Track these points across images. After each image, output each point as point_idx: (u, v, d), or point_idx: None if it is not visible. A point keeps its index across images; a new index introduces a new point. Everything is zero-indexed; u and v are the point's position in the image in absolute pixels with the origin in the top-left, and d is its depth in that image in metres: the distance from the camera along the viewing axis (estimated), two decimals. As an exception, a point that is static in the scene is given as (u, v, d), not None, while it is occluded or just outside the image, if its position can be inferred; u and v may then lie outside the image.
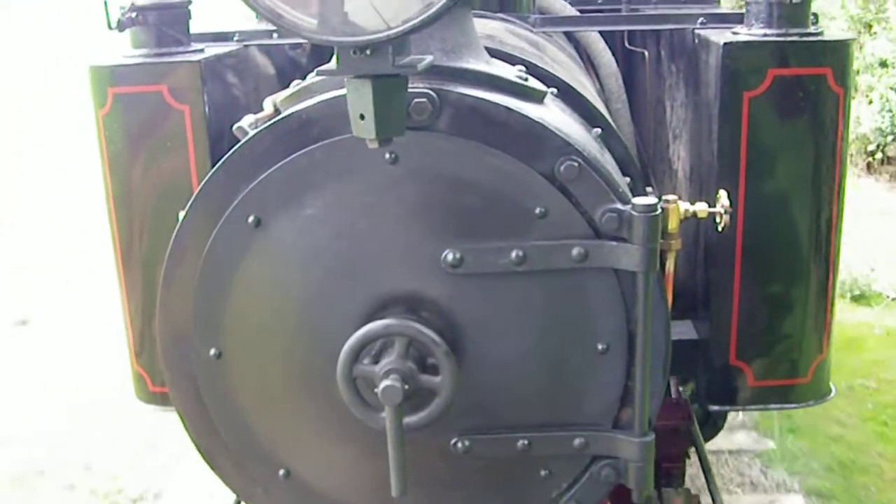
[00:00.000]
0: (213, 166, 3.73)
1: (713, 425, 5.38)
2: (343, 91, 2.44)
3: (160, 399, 4.03)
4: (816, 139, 3.66)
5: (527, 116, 2.46)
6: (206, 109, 3.74)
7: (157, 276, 3.87)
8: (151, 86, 3.74)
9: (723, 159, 3.63)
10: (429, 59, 2.22)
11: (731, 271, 3.69)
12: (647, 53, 5.04)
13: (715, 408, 3.96)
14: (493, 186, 2.45)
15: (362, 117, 2.13)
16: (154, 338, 3.96)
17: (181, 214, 3.29)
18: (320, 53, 4.76)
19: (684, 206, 3.20)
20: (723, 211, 3.33)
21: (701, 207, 3.29)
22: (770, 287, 3.74)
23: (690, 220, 3.18)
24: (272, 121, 2.58)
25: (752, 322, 3.76)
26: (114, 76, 3.79)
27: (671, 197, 3.22)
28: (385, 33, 1.98)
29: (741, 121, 3.58)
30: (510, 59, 3.00)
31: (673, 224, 3.10)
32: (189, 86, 3.72)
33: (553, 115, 2.65)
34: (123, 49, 3.91)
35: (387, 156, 2.41)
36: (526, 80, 2.68)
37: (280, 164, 2.49)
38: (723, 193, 3.35)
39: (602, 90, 4.79)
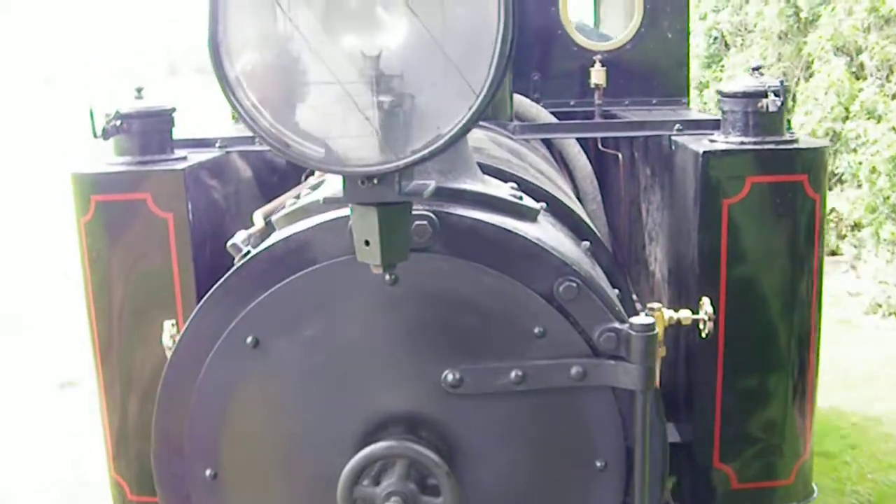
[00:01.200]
0: (196, 273, 3.75)
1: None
2: (339, 213, 2.47)
3: None
4: (795, 244, 3.73)
5: (525, 237, 2.49)
6: (190, 216, 3.75)
7: (135, 385, 3.86)
8: (135, 193, 3.75)
9: (703, 265, 3.68)
10: (432, 185, 2.25)
11: (713, 376, 3.72)
12: (620, 156, 5.13)
13: None
14: (492, 307, 2.46)
15: (367, 243, 2.14)
16: (131, 444, 3.92)
17: (166, 325, 3.28)
18: None
19: (668, 313, 3.23)
20: (706, 318, 3.36)
21: (685, 315, 3.32)
22: (752, 391, 3.78)
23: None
24: (271, 242, 2.58)
25: (735, 425, 3.78)
26: (97, 184, 3.79)
27: (655, 305, 3.25)
28: (394, 164, 2.00)
29: (721, 227, 3.64)
30: (501, 175, 3.04)
31: (658, 332, 3.13)
32: (173, 194, 3.73)
33: (548, 233, 2.69)
34: (106, 156, 3.92)
35: (386, 277, 2.42)
36: (520, 198, 2.71)
37: (279, 285, 2.49)
38: (706, 301, 3.38)
39: (577, 191, 4.85)
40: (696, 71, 13.88)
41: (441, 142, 1.99)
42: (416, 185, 2.23)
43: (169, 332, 3.33)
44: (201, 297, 3.72)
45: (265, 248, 2.57)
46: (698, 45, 14.68)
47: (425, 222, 2.40)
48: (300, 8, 2.00)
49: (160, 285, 3.77)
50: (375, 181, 2.06)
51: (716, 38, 15.17)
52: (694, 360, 3.77)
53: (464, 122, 1.98)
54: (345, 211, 2.42)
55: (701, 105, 14.44)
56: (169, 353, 3.31)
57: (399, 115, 2.01)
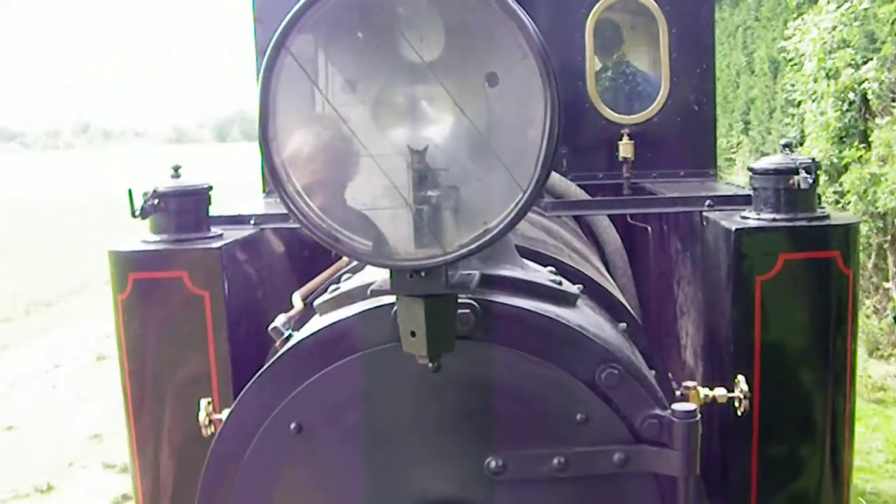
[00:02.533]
0: (231, 351, 3.78)
1: None
2: (383, 300, 2.49)
3: None
4: (828, 320, 3.73)
5: (567, 324, 2.51)
6: (226, 293, 3.79)
7: (171, 465, 3.87)
8: (172, 272, 3.80)
9: (737, 342, 3.69)
10: (476, 275, 2.29)
11: (748, 452, 3.72)
12: (650, 229, 5.15)
13: None
14: (534, 394, 2.47)
15: (413, 334, 2.17)
16: None
17: (202, 403, 3.30)
18: None
19: (704, 392, 3.24)
20: (742, 396, 3.36)
21: (720, 393, 3.32)
22: (787, 468, 3.76)
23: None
24: (315, 329, 2.61)
25: (769, 502, 3.76)
26: (134, 262, 3.84)
27: (690, 383, 3.26)
28: (441, 258, 2.03)
29: (754, 304, 3.66)
30: (538, 257, 3.07)
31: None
32: (209, 272, 3.78)
33: (588, 318, 2.70)
34: (143, 234, 3.97)
35: (430, 364, 2.43)
36: (559, 283, 2.73)
37: (323, 371, 2.51)
38: (741, 379, 3.39)
39: (607, 264, 4.87)
40: (824, 146, 11.83)
41: (488, 237, 2.02)
42: (461, 276, 2.27)
43: (205, 411, 3.36)
44: (237, 375, 3.78)
45: (310, 335, 2.59)
46: (825, 113, 11.91)
47: (468, 311, 2.42)
48: (349, 102, 2.05)
49: (196, 363, 3.80)
50: (423, 274, 2.09)
51: (852, 104, 11.69)
52: (728, 437, 3.75)
53: (511, 217, 2.01)
54: (389, 298, 2.44)
55: (835, 205, 11.60)
56: (205, 432, 3.34)
57: (446, 209, 2.05)
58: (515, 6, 1.95)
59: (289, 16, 1.99)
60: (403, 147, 2.04)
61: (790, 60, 13.83)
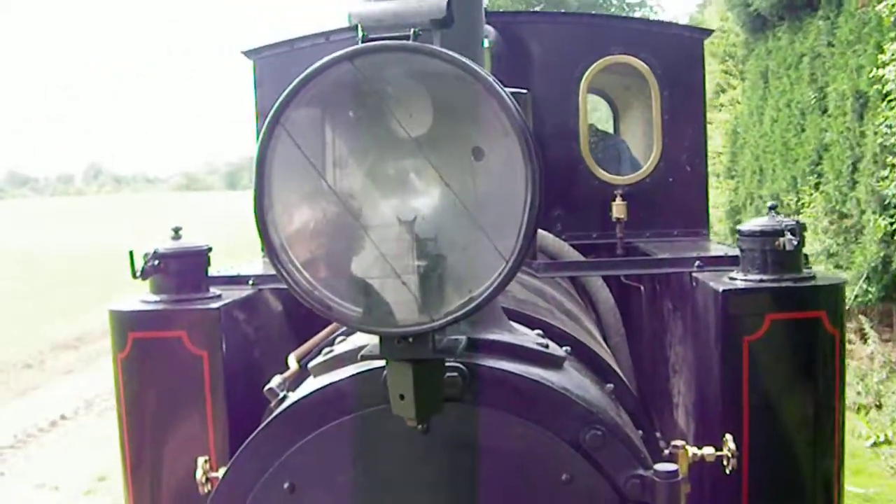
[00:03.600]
0: (228, 409, 3.84)
1: None
2: (374, 364, 2.57)
3: None
4: (815, 379, 3.80)
5: (552, 387, 2.58)
6: (224, 353, 3.86)
7: None
8: (172, 331, 3.88)
9: (726, 401, 3.75)
10: (463, 340, 2.37)
11: None
12: (643, 288, 5.23)
13: None
14: (521, 454, 2.54)
15: (402, 397, 2.24)
16: None
17: (200, 461, 3.36)
18: None
19: (692, 451, 3.30)
20: (730, 455, 3.42)
21: (708, 451, 3.38)
22: None
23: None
24: (308, 391, 2.68)
25: None
26: (134, 321, 3.92)
27: (679, 443, 3.32)
28: (428, 325, 2.11)
29: (742, 364, 3.72)
30: (526, 320, 3.15)
31: (682, 469, 3.18)
32: (208, 332, 3.86)
33: (573, 380, 2.78)
34: (143, 294, 4.06)
35: (418, 427, 2.50)
36: (546, 346, 2.81)
37: (315, 432, 2.58)
38: (729, 438, 3.45)
39: (600, 324, 4.95)
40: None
41: (473, 304, 2.10)
42: (449, 340, 2.35)
43: (202, 469, 3.42)
44: (234, 433, 3.84)
45: (303, 397, 2.67)
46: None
47: (456, 374, 2.49)
48: (341, 175, 2.14)
49: (194, 421, 3.87)
50: (411, 339, 2.17)
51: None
52: (718, 495, 3.80)
53: (494, 286, 2.10)
54: (380, 362, 2.52)
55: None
56: (202, 489, 3.39)
57: (433, 278, 2.13)
58: (497, 85, 2.05)
59: (284, 93, 2.09)
60: (393, 218, 2.13)
61: (887, 95, 11.09)
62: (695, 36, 5.93)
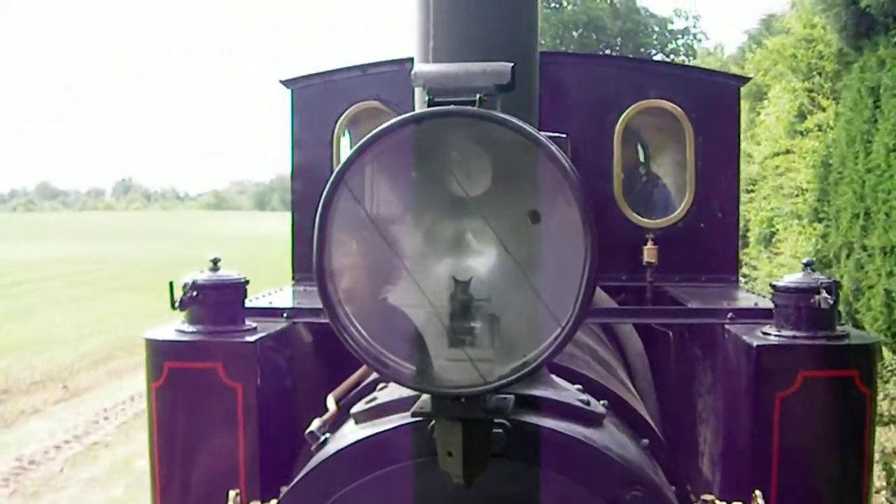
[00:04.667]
0: (260, 443, 3.87)
1: None
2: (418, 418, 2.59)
3: None
4: (845, 439, 3.81)
5: (594, 446, 2.60)
6: (258, 386, 3.89)
7: None
8: (207, 363, 3.91)
9: (755, 455, 3.77)
10: (512, 400, 2.39)
11: None
12: (671, 334, 5.25)
13: None
14: None
15: (450, 454, 2.27)
16: None
17: (231, 494, 3.39)
18: None
19: None
20: None
21: None
22: None
23: None
24: (353, 440, 2.71)
25: None
26: (171, 351, 3.95)
27: (708, 497, 3.36)
28: (482, 388, 2.14)
29: (773, 419, 3.74)
30: (568, 373, 3.17)
31: None
32: (244, 364, 3.89)
33: (614, 438, 2.80)
34: (179, 324, 4.09)
35: (461, 482, 2.53)
36: (587, 402, 2.83)
37: (358, 482, 2.61)
38: (758, 494, 3.46)
39: (628, 367, 4.96)
40: None
41: (527, 369, 2.13)
42: (497, 399, 2.38)
43: (233, 502, 3.45)
44: (264, 467, 3.86)
45: (348, 445, 2.69)
46: None
47: (501, 430, 2.52)
48: (399, 234, 2.18)
49: (226, 453, 3.89)
50: (462, 399, 2.20)
51: None
52: None
53: (549, 352, 2.13)
54: None
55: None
56: None
57: (488, 340, 2.16)
58: (560, 154, 2.08)
59: (350, 152, 2.13)
60: (448, 278, 2.16)
61: None
62: (731, 83, 5.97)
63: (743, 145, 18.72)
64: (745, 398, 3.84)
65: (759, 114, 22.63)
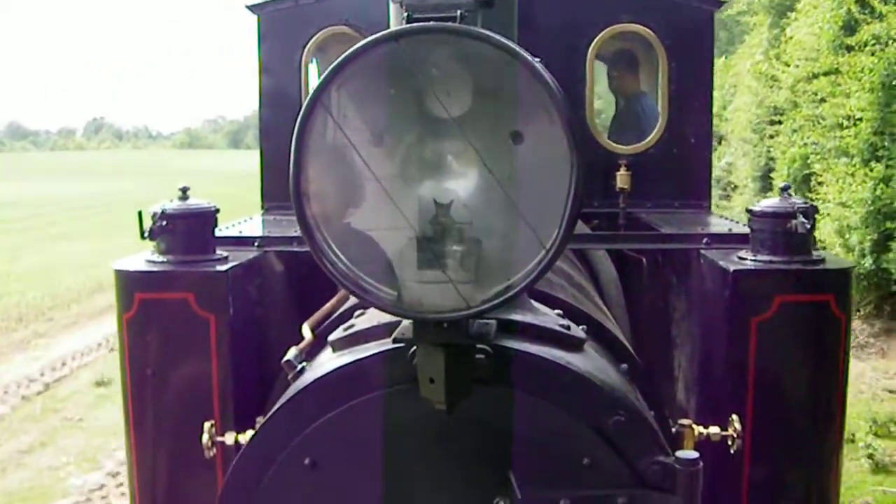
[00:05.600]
0: (234, 372, 3.83)
1: None
2: (398, 343, 2.56)
3: None
4: (821, 361, 3.82)
5: (576, 371, 2.58)
6: (231, 316, 3.84)
7: (171, 485, 3.92)
8: (179, 293, 3.84)
9: (731, 380, 3.77)
10: (493, 325, 2.36)
11: (737, 489, 3.79)
12: (644, 261, 5.23)
13: None
14: (543, 437, 2.54)
15: (432, 381, 2.24)
16: None
17: (206, 426, 3.35)
18: None
19: (699, 429, 3.33)
20: (735, 435, 3.45)
21: (714, 431, 3.42)
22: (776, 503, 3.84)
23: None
24: (332, 367, 2.66)
25: None
26: (141, 282, 3.88)
27: (685, 421, 3.35)
28: (465, 312, 2.10)
29: (749, 344, 3.74)
30: (546, 298, 3.14)
31: (688, 447, 3.22)
32: (215, 294, 3.83)
33: (595, 363, 2.78)
34: (148, 254, 4.01)
35: (443, 409, 2.50)
36: (568, 327, 2.80)
37: (337, 410, 2.57)
38: (735, 418, 3.48)
39: (602, 294, 4.94)
40: None
41: (511, 293, 2.09)
42: (480, 325, 2.34)
43: (208, 433, 3.42)
44: (238, 398, 3.83)
45: (326, 374, 2.65)
46: None
47: (482, 356, 2.48)
48: (378, 155, 2.11)
49: (199, 384, 3.85)
50: (445, 325, 2.15)
51: None
52: (720, 472, 3.82)
53: (534, 275, 2.08)
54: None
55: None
56: (207, 454, 3.39)
57: (470, 263, 2.11)
58: (544, 71, 2.02)
59: (326, 72, 2.05)
60: (429, 200, 2.10)
61: None
62: (704, 7, 5.87)
63: (765, 67, 17.40)
64: (720, 323, 3.83)
65: (784, 29, 18.14)
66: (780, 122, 17.80)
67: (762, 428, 3.75)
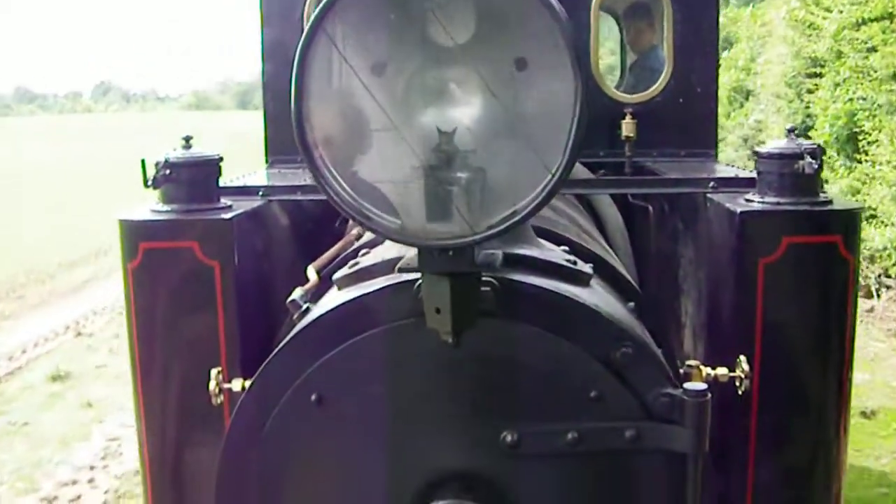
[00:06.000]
0: (240, 320, 3.83)
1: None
2: (404, 276, 2.55)
3: None
4: (828, 303, 3.80)
5: (584, 303, 2.57)
6: (236, 264, 3.83)
7: (179, 431, 3.93)
8: (183, 241, 3.83)
9: (739, 323, 3.76)
10: (500, 254, 2.34)
11: (746, 429, 3.79)
12: (650, 208, 5.21)
13: None
14: (550, 370, 2.54)
15: (438, 311, 2.23)
16: (169, 489, 3.98)
17: (213, 372, 3.35)
18: (331, 206, 4.92)
19: (706, 370, 3.32)
20: (743, 376, 3.44)
21: (722, 373, 3.41)
22: (784, 444, 3.84)
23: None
24: (337, 303, 2.66)
25: (767, 479, 3.84)
26: (145, 231, 3.87)
27: (693, 362, 3.34)
28: (470, 238, 2.09)
29: (757, 286, 3.72)
30: (552, 236, 3.13)
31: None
32: (220, 242, 3.81)
33: (602, 298, 2.77)
34: (153, 203, 4.00)
35: (450, 340, 2.49)
36: (574, 262, 2.80)
37: (343, 345, 2.57)
38: (742, 359, 3.46)
39: (608, 242, 4.93)
40: None
41: (516, 218, 2.08)
42: (485, 255, 2.33)
43: (215, 380, 3.42)
44: (245, 344, 3.83)
45: (332, 309, 2.64)
46: None
47: (488, 288, 2.48)
48: (381, 83, 2.09)
49: (205, 332, 3.84)
50: (450, 252, 2.14)
51: None
52: (728, 414, 3.82)
53: (539, 200, 2.07)
54: (409, 275, 2.50)
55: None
56: (214, 401, 3.39)
57: (475, 190, 2.10)
58: None
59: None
60: (433, 128, 2.09)
61: None
62: None
63: (802, 14, 16.45)
64: (728, 266, 3.81)
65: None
66: (819, 76, 15.79)
67: (770, 370, 3.74)
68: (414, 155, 2.10)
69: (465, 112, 2.10)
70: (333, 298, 2.76)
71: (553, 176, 2.05)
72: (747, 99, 21.71)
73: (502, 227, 2.08)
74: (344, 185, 2.14)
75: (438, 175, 2.09)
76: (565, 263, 2.76)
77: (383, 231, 2.13)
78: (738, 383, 3.45)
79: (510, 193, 2.11)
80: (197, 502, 3.93)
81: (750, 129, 20.70)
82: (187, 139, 4.02)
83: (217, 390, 3.42)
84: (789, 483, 3.86)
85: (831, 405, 3.87)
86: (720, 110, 5.70)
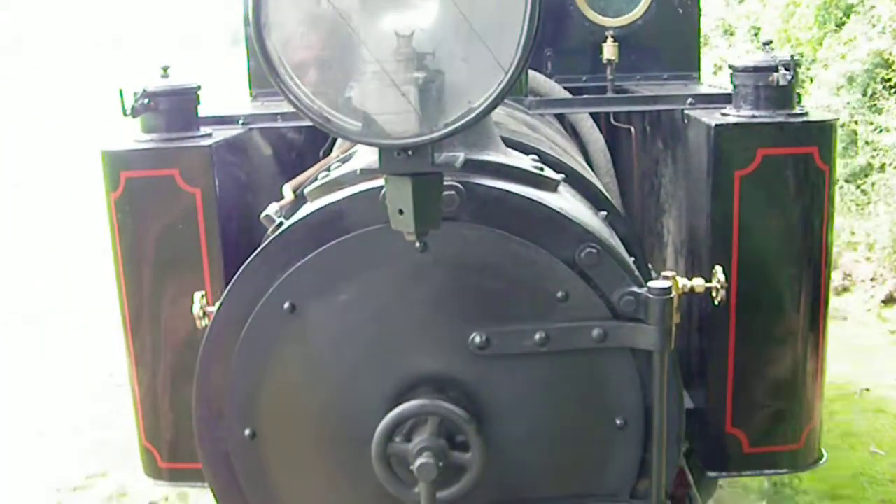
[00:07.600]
0: (223, 246, 3.88)
1: (708, 489, 5.49)
2: (372, 184, 2.59)
3: (169, 475, 4.10)
4: (804, 214, 3.83)
5: (548, 206, 2.61)
6: (217, 191, 3.86)
7: (166, 356, 3.99)
8: (164, 170, 3.86)
9: (716, 236, 3.79)
10: (461, 156, 2.38)
11: (725, 342, 3.84)
12: (633, 129, 5.23)
13: (712, 474, 4.08)
14: (516, 272, 2.59)
15: (401, 212, 2.27)
16: (162, 414, 4.05)
17: (196, 296, 3.40)
18: (314, 136, 4.95)
19: (682, 281, 3.37)
20: (719, 286, 3.49)
21: (698, 283, 3.45)
22: (763, 357, 3.89)
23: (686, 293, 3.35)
24: (307, 212, 2.70)
25: (747, 391, 3.90)
26: (126, 161, 3.90)
27: (669, 273, 3.39)
28: (428, 136, 2.13)
29: (733, 198, 3.75)
30: (521, 147, 3.16)
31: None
32: (200, 169, 3.85)
33: (568, 202, 2.81)
34: (134, 133, 4.03)
35: (417, 244, 2.54)
36: (542, 169, 2.83)
37: (314, 253, 2.62)
38: (718, 269, 3.50)
39: (590, 163, 4.96)
40: None
41: (472, 115, 2.12)
42: (447, 156, 2.37)
43: (199, 304, 3.47)
44: (228, 270, 3.88)
45: (302, 218, 2.69)
46: None
47: (453, 192, 2.52)
48: None
49: (189, 258, 3.89)
50: (410, 153, 2.18)
51: None
52: (706, 328, 3.88)
53: (493, 96, 2.10)
54: (377, 182, 2.55)
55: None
56: (199, 324, 3.45)
57: (432, 91, 2.14)
58: None
59: None
60: (391, 32, 2.12)
61: None
62: None
63: None
64: (704, 180, 3.84)
65: None
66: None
67: (748, 280, 3.79)
68: (373, 59, 2.13)
69: (422, 15, 2.13)
70: (304, 210, 2.81)
71: (507, 73, 2.08)
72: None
73: (458, 124, 2.12)
74: (306, 90, 2.17)
75: (397, 77, 2.13)
76: (531, 169, 2.80)
77: (343, 133, 2.17)
78: (714, 294, 3.50)
79: (468, 93, 2.14)
80: (189, 427, 4.01)
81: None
82: (165, 69, 4.05)
83: (201, 313, 3.47)
84: (769, 392, 3.92)
85: (810, 314, 3.92)
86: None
